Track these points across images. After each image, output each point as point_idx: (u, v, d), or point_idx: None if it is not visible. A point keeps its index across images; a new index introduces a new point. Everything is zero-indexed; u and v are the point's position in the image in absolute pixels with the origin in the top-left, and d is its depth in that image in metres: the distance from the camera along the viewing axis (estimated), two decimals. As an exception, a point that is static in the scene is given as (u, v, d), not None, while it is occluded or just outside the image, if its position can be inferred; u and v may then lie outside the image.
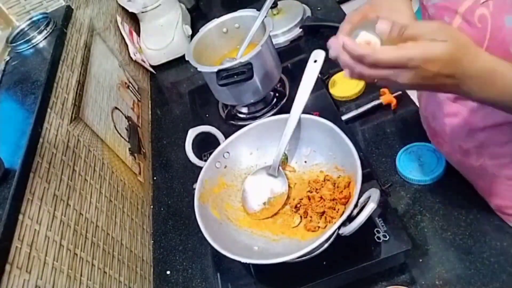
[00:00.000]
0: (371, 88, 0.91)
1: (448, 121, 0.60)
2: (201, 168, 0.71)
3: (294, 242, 0.64)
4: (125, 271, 0.72)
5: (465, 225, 0.65)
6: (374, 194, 0.56)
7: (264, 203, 0.70)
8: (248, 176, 0.72)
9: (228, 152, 0.73)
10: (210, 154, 0.74)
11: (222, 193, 0.70)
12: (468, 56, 0.41)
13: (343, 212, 0.60)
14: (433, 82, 0.42)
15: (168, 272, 0.79)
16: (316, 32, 1.11)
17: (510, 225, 0.62)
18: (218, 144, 0.75)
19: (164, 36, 1.24)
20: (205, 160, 0.74)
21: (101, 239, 0.69)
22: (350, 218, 0.57)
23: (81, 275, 0.61)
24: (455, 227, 0.65)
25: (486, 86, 0.43)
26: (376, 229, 0.65)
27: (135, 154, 0.95)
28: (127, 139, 0.94)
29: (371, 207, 0.54)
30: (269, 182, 0.71)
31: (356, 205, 0.58)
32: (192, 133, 0.74)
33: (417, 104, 0.85)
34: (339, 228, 0.56)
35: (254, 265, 0.66)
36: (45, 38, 0.81)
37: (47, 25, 0.82)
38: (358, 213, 0.56)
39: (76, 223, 0.65)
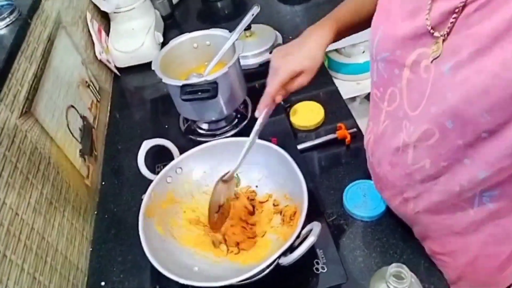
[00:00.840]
0: (330, 120, 0.95)
1: (391, 170, 0.63)
2: (152, 180, 0.70)
3: (235, 266, 0.64)
4: (57, 278, 0.69)
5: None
6: (316, 227, 0.57)
7: (217, 212, 0.70)
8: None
9: (180, 168, 0.72)
10: (164, 166, 0.74)
11: (169, 209, 0.70)
12: None
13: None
14: None
15: (102, 283, 0.76)
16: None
17: (439, 269, 0.67)
18: (173, 158, 0.75)
19: (134, 40, 1.23)
20: (158, 172, 0.73)
21: (35, 243, 0.66)
22: (291, 249, 0.58)
23: (8, 279, 0.58)
24: (389, 265, 0.68)
25: None
26: (316, 260, 0.67)
27: (86, 156, 0.92)
28: (79, 140, 0.91)
29: (311, 240, 0.56)
30: (222, 189, 0.71)
31: (298, 236, 0.59)
32: (146, 145, 0.73)
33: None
34: (279, 257, 0.57)
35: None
36: (7, 26, 0.77)
37: (11, 13, 0.78)
38: (299, 244, 0.58)
39: (10, 223, 0.61)
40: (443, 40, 0.47)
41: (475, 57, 0.42)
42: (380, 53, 0.56)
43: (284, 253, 0.57)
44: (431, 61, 0.48)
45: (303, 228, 0.60)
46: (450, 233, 0.61)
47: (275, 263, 0.59)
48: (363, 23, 0.72)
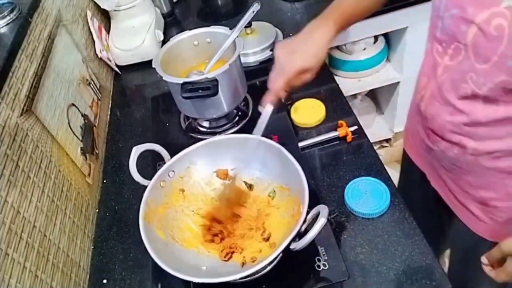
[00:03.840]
0: (331, 118, 0.95)
1: (451, 119, 0.66)
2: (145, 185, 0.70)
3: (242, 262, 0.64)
4: (59, 276, 0.69)
5: (400, 261, 0.68)
6: (323, 210, 0.58)
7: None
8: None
9: (173, 171, 0.72)
10: (165, 163, 0.74)
11: (167, 213, 0.70)
12: None
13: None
14: None
15: (104, 281, 0.76)
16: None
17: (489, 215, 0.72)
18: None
19: (134, 38, 1.23)
20: (158, 169, 0.73)
21: (37, 241, 0.66)
22: (300, 235, 0.58)
23: (10, 277, 0.58)
24: (391, 262, 0.68)
25: None
26: (317, 257, 0.68)
27: (87, 154, 0.92)
28: (80, 138, 0.91)
29: (322, 221, 0.56)
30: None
31: (304, 221, 0.59)
32: (136, 151, 0.72)
33: (369, 138, 0.90)
34: (289, 243, 0.57)
35: (195, 282, 0.66)
36: (7, 24, 0.77)
37: (11, 11, 0.78)
38: (305, 230, 0.58)
39: (12, 222, 0.61)
40: None
41: None
42: (450, 10, 0.57)
43: (293, 240, 0.57)
44: (500, 11, 0.49)
45: (308, 213, 0.60)
46: (508, 176, 0.65)
47: (279, 257, 0.59)
48: (365, 11, 0.73)
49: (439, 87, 0.65)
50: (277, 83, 0.70)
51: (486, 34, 0.53)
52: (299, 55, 0.69)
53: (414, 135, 0.83)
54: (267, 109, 0.72)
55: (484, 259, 0.62)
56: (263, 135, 0.72)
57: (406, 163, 0.95)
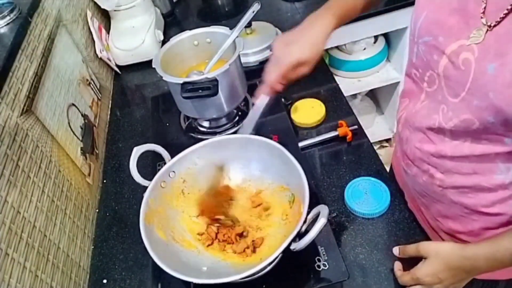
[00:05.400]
0: (331, 118, 0.95)
1: (420, 146, 0.64)
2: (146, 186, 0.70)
3: (244, 262, 0.64)
4: (59, 276, 0.69)
5: (400, 261, 0.68)
6: (323, 210, 0.58)
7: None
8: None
9: (173, 172, 0.72)
10: (165, 163, 0.74)
11: (167, 214, 0.70)
12: (460, 252, 0.55)
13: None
14: (453, 281, 0.56)
15: (104, 281, 0.76)
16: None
17: None
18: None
19: (134, 38, 1.23)
20: (159, 170, 0.73)
21: (37, 241, 0.66)
22: (300, 235, 0.58)
23: (10, 277, 0.58)
24: (391, 262, 0.68)
25: (495, 264, 0.53)
26: (317, 257, 0.68)
27: (87, 154, 0.92)
28: (80, 138, 0.91)
29: (322, 221, 0.56)
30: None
31: (304, 221, 0.59)
32: (136, 152, 0.72)
33: (369, 138, 0.90)
34: (290, 244, 0.57)
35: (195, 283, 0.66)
36: (7, 24, 0.77)
37: (11, 11, 0.78)
38: (306, 230, 0.58)
39: (12, 222, 0.61)
40: (487, 30, 0.47)
41: None
42: (422, 36, 0.57)
43: (294, 240, 0.57)
44: (468, 45, 0.49)
45: (308, 213, 0.60)
46: (473, 213, 0.63)
47: (278, 257, 0.59)
48: (365, 5, 0.72)
49: (416, 112, 0.64)
50: (272, 75, 0.68)
51: (455, 67, 0.52)
52: (296, 47, 0.66)
53: (396, 155, 0.83)
54: (260, 101, 0.71)
55: (396, 250, 0.62)
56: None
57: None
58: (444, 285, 0.57)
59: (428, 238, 0.78)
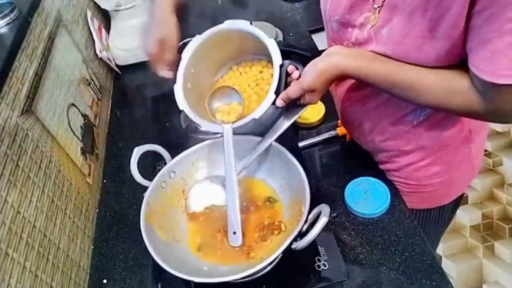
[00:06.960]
0: (331, 117, 0.95)
1: (349, 107, 0.78)
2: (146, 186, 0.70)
3: (245, 261, 0.64)
4: (59, 276, 0.69)
5: (400, 261, 0.68)
6: (325, 209, 0.58)
7: (206, 208, 0.71)
8: (201, 180, 0.74)
9: (174, 172, 0.72)
10: (165, 164, 0.74)
11: (168, 214, 0.70)
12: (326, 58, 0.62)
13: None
14: (324, 85, 0.63)
15: (104, 281, 0.76)
16: (287, 57, 1.13)
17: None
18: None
19: (134, 38, 1.22)
20: (159, 170, 0.73)
21: (37, 241, 0.66)
22: (301, 235, 0.59)
23: (10, 277, 0.58)
24: (391, 262, 0.68)
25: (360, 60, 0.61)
26: (317, 257, 0.68)
27: (87, 154, 0.92)
28: (80, 138, 0.91)
29: (323, 220, 0.56)
30: (218, 191, 0.72)
31: (305, 221, 0.59)
32: (137, 152, 0.72)
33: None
34: (291, 243, 0.57)
35: (196, 282, 0.66)
36: (7, 24, 0.77)
37: (11, 11, 0.78)
38: (307, 229, 0.58)
39: (12, 222, 0.61)
40: (379, 11, 0.59)
41: (404, 23, 0.56)
42: (333, 16, 0.68)
43: (295, 239, 0.57)
44: (370, 28, 0.61)
45: (309, 213, 0.60)
46: (399, 153, 0.76)
47: (278, 255, 0.58)
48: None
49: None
50: (294, 89, 0.65)
51: (362, 35, 0.63)
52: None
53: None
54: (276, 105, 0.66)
55: (279, 101, 0.65)
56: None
57: None
58: (319, 92, 0.64)
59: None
